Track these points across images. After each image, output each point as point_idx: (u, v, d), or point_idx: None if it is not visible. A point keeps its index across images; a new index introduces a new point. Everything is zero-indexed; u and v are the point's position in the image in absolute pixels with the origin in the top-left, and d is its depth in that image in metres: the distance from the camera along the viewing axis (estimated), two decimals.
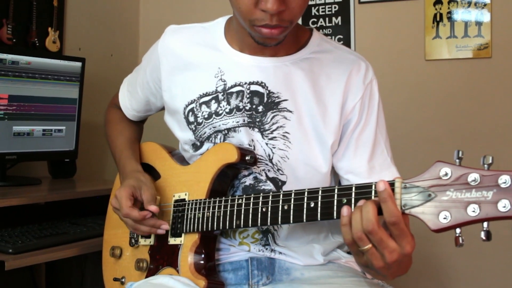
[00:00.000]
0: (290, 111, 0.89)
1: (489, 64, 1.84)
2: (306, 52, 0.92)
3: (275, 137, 0.89)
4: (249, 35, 0.85)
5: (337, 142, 0.90)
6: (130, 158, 1.01)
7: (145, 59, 1.05)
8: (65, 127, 1.66)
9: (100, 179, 1.99)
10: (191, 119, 0.94)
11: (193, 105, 0.94)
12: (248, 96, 0.90)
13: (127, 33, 2.24)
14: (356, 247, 0.68)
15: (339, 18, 2.03)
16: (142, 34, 2.30)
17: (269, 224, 0.80)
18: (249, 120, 0.90)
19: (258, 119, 0.90)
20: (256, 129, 0.90)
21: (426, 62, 1.92)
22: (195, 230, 0.88)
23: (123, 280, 0.99)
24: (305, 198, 0.75)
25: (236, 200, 0.83)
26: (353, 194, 0.70)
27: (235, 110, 0.91)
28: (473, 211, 0.59)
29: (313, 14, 2.06)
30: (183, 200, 0.92)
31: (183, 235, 0.90)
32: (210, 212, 0.86)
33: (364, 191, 0.69)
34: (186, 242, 0.89)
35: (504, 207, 0.57)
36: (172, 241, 0.91)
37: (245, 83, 0.91)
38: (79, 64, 1.68)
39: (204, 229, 0.87)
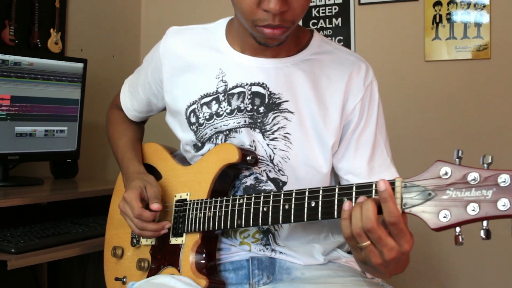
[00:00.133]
0: (291, 112, 0.89)
1: (488, 65, 1.85)
2: (307, 53, 0.93)
3: (276, 138, 0.90)
4: (251, 35, 0.86)
5: (337, 143, 0.91)
6: (133, 159, 1.01)
7: (146, 60, 1.05)
8: (67, 127, 1.66)
9: (101, 179, 1.99)
10: (193, 120, 0.95)
11: (195, 106, 0.94)
12: (249, 97, 0.91)
13: (129, 34, 2.25)
14: (354, 242, 0.69)
15: (339, 19, 2.03)
16: (144, 35, 2.31)
17: (270, 223, 0.80)
18: (250, 121, 0.91)
19: (259, 120, 0.90)
20: (257, 130, 0.90)
21: (425, 63, 1.93)
22: (196, 230, 0.88)
23: (124, 279, 0.99)
24: (306, 198, 0.75)
25: (237, 200, 0.84)
26: (353, 193, 0.70)
27: (236, 111, 0.91)
28: (472, 210, 0.59)
29: (313, 15, 2.07)
30: (185, 200, 0.92)
31: (184, 235, 0.90)
32: (211, 212, 0.87)
33: (364, 190, 0.69)
34: (188, 242, 0.89)
35: (504, 206, 0.58)
36: (173, 241, 0.91)
37: (246, 84, 0.91)
38: (81, 65, 1.68)
39: (205, 229, 0.87)
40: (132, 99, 1.11)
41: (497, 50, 1.83)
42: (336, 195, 0.72)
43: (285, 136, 0.89)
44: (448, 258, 1.88)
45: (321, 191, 0.74)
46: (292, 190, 0.78)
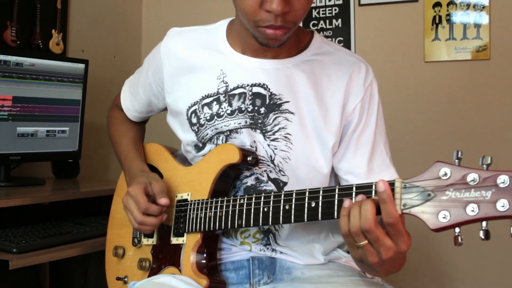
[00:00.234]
0: (292, 113, 0.90)
1: (487, 66, 1.86)
2: (307, 54, 0.93)
3: (277, 138, 0.90)
4: (252, 36, 0.86)
5: (337, 143, 0.91)
6: (136, 158, 1.02)
7: (147, 61, 1.06)
8: (68, 128, 1.67)
9: (103, 179, 2.00)
10: (194, 120, 0.95)
11: (196, 106, 0.94)
12: (250, 97, 0.91)
13: (130, 35, 2.25)
14: (352, 240, 0.69)
15: (340, 20, 2.04)
16: (145, 36, 2.31)
17: (270, 224, 0.80)
18: (251, 121, 0.91)
19: (260, 121, 0.91)
20: (258, 131, 0.91)
21: (425, 64, 1.94)
22: (197, 230, 0.89)
23: (125, 279, 1.00)
24: (306, 198, 0.75)
25: (238, 200, 0.84)
26: (353, 194, 0.71)
27: (237, 111, 0.91)
28: (472, 210, 0.60)
29: (313, 16, 2.07)
30: (186, 200, 0.92)
31: (185, 234, 0.91)
32: (212, 212, 0.87)
33: (364, 191, 0.70)
34: (189, 242, 0.89)
35: (503, 206, 0.58)
36: (174, 240, 0.92)
37: (247, 85, 0.91)
38: (82, 65, 1.69)
39: (206, 229, 0.88)
40: (132, 100, 1.11)
41: (497, 51, 1.84)
42: (336, 195, 0.72)
43: (285, 137, 0.90)
44: (448, 258, 1.89)
45: (321, 192, 0.74)
46: (293, 191, 0.78)
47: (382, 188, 0.65)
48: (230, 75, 0.92)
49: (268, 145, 0.90)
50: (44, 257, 1.16)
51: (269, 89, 0.91)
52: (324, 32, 2.05)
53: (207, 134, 0.94)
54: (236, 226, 0.84)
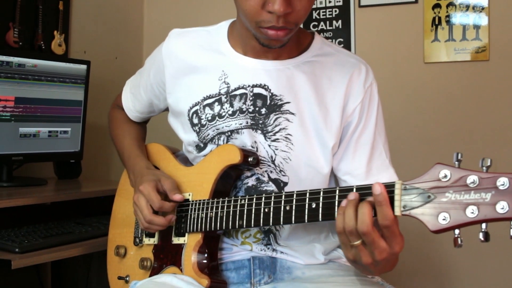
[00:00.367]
0: (293, 114, 0.90)
1: (487, 67, 1.86)
2: (308, 55, 0.94)
3: (277, 139, 0.91)
4: (253, 37, 0.87)
5: (337, 144, 0.91)
6: (140, 156, 1.02)
7: (148, 62, 1.06)
8: (70, 128, 1.67)
9: (104, 179, 2.00)
10: (195, 121, 0.95)
11: (197, 107, 0.95)
12: (251, 98, 0.91)
13: (132, 36, 2.26)
14: (346, 238, 0.70)
15: (340, 21, 2.04)
16: (146, 37, 2.32)
17: (271, 224, 0.81)
18: (252, 122, 0.91)
19: (261, 121, 0.91)
20: (259, 131, 0.91)
21: (425, 65, 1.94)
22: (199, 230, 0.89)
23: (127, 278, 1.00)
24: (307, 199, 0.76)
25: (239, 200, 0.84)
26: None
27: (238, 112, 0.92)
28: (471, 212, 0.60)
29: (314, 17, 2.08)
30: (187, 200, 0.93)
31: (186, 234, 0.91)
32: (213, 212, 0.87)
33: (364, 192, 0.70)
34: (190, 242, 0.90)
35: (502, 208, 0.58)
36: (175, 240, 0.92)
37: (249, 85, 0.92)
38: (84, 66, 1.69)
39: (207, 229, 0.88)
40: (134, 100, 1.12)
41: (496, 52, 1.84)
42: (337, 196, 0.73)
43: (286, 137, 0.90)
44: (448, 258, 1.89)
45: (321, 193, 0.75)
46: (293, 192, 0.78)
47: (378, 191, 0.66)
48: (232, 76, 0.93)
49: (269, 145, 0.91)
50: (46, 256, 1.16)
51: (270, 90, 0.91)
52: (324, 33, 2.05)
53: (208, 135, 0.94)
54: (237, 227, 0.85)
